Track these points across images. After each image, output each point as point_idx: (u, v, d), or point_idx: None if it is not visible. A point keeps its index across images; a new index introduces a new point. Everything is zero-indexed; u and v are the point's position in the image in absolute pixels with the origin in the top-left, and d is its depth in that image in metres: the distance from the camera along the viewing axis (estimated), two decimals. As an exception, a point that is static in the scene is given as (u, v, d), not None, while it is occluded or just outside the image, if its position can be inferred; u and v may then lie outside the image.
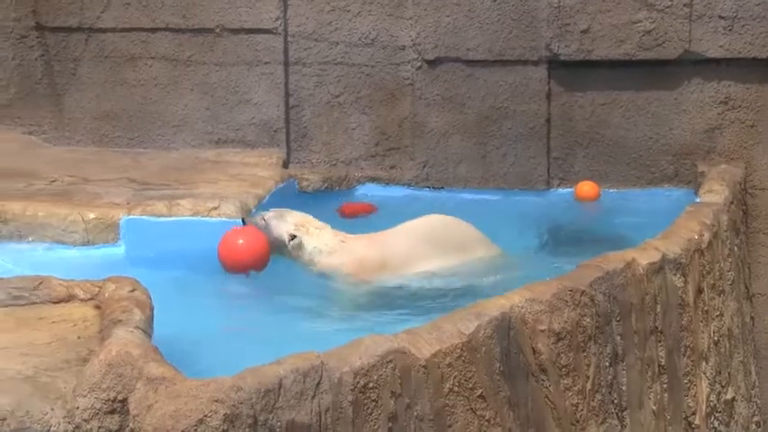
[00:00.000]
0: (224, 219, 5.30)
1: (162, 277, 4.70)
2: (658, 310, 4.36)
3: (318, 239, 4.98)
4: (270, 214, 5.09)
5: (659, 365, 4.35)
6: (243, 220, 5.16)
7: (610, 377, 4.05)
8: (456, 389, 3.48)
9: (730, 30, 6.27)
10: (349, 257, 4.92)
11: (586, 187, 6.48)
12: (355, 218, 6.15)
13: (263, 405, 3.07)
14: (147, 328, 3.54)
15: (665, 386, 4.37)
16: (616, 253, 4.34)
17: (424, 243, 4.94)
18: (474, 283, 4.78)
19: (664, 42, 6.33)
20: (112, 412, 3.16)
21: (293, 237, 5.00)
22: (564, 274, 4.11)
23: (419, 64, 6.57)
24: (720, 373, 4.83)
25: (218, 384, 3.04)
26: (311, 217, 5.13)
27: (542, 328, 3.78)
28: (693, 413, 4.55)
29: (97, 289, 3.94)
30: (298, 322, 4.47)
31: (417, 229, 5.00)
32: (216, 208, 5.37)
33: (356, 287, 4.80)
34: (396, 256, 4.91)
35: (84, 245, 5.30)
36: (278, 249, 5.00)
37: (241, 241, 4.93)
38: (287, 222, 5.04)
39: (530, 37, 6.44)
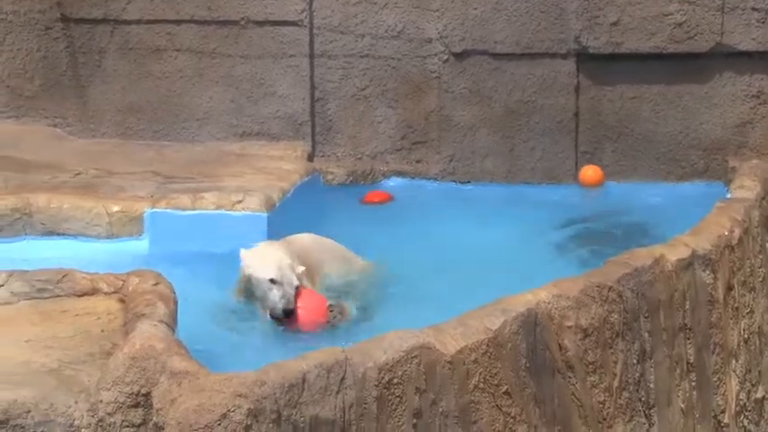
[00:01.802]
0: (248, 212, 5.29)
1: (185, 271, 4.70)
2: (687, 306, 4.31)
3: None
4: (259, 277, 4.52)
5: (688, 363, 4.30)
6: None
7: (637, 374, 4.01)
8: (481, 385, 3.45)
9: (763, 22, 6.18)
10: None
11: (590, 172, 6.37)
12: (374, 205, 6.16)
13: (286, 400, 3.05)
14: (171, 322, 3.54)
15: (693, 384, 4.32)
16: (644, 249, 4.29)
17: (300, 251, 4.88)
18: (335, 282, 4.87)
19: (695, 35, 6.25)
20: (136, 406, 3.16)
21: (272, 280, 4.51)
22: (592, 270, 4.08)
23: (446, 57, 6.52)
24: (750, 371, 4.76)
25: (242, 379, 3.02)
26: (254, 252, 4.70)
27: (569, 324, 3.74)
28: (723, 411, 4.50)
29: (121, 282, 3.94)
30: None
31: (295, 240, 4.95)
32: (240, 201, 5.37)
33: None
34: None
35: (108, 238, 5.31)
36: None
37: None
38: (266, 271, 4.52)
39: (558, 29, 6.37)
